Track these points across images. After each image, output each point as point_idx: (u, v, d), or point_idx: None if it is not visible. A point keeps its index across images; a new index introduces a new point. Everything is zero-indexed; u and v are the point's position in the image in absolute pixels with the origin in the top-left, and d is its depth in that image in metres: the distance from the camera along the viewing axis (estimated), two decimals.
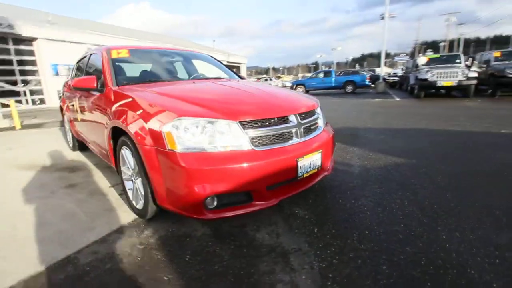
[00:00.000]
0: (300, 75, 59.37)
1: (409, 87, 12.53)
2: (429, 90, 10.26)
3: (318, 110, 2.23)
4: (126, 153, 2.01)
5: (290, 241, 1.69)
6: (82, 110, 2.88)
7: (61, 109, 4.10)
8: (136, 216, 2.07)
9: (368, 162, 3.14)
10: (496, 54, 10.13)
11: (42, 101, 14.18)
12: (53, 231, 1.94)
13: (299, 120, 1.90)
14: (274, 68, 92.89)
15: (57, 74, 14.51)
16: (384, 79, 17.16)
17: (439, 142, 3.92)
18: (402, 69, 18.17)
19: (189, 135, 1.56)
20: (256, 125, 1.69)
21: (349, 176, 2.70)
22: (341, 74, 17.57)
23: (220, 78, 2.83)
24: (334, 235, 1.73)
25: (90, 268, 1.51)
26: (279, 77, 39.02)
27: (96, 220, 2.06)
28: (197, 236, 1.79)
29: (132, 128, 1.76)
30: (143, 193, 1.87)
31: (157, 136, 1.62)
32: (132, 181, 2.10)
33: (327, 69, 24.17)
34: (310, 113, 2.09)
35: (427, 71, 9.85)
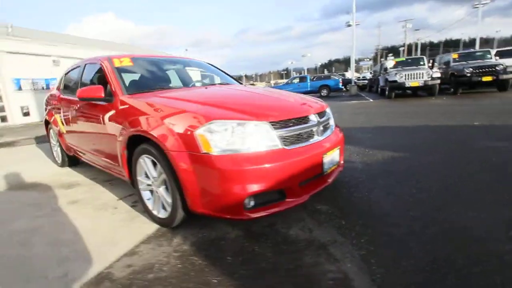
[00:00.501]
0: (272, 81, 60.51)
1: (379, 88, 13.35)
2: (398, 91, 11.01)
3: (328, 110, 2.34)
4: (146, 161, 1.96)
5: (323, 234, 1.75)
6: (81, 121, 2.76)
7: (47, 123, 3.86)
8: (158, 226, 2.03)
9: (367, 158, 3.32)
10: (454, 55, 11.15)
11: (3, 119, 13.09)
12: (72, 248, 1.83)
13: (318, 119, 1.99)
14: (246, 76, 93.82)
15: (20, 89, 13.53)
16: (355, 83, 18.08)
17: (424, 136, 4.24)
18: (370, 73, 19.28)
19: (223, 137, 1.58)
20: (283, 125, 1.76)
21: (355, 172, 2.84)
22: (315, 79, 18.26)
23: (226, 84, 2.86)
24: (362, 225, 1.82)
25: (130, 281, 1.46)
26: (252, 84, 39.49)
27: (116, 233, 1.99)
28: (231, 238, 1.79)
29: (159, 135, 1.73)
30: (169, 201, 1.84)
31: (189, 141, 1.62)
32: (152, 190, 2.06)
33: (302, 74, 24.94)
34: (324, 113, 2.20)
35: (396, 73, 10.58)
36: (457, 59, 11.01)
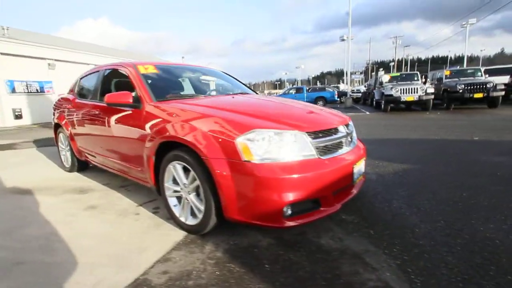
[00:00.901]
0: (266, 91, 61.10)
1: (374, 102, 13.70)
2: (393, 105, 11.33)
3: (351, 123, 2.42)
4: (176, 168, 1.97)
5: (355, 243, 1.79)
6: (100, 126, 2.74)
7: (56, 126, 3.80)
8: (185, 233, 2.02)
9: (378, 169, 3.40)
10: (447, 72, 11.60)
11: None
12: (102, 254, 1.81)
13: (346, 131, 2.06)
14: None
15: (13, 91, 13.24)
16: (349, 95, 18.49)
17: (428, 149, 4.38)
18: (365, 86, 19.77)
19: (263, 146, 1.62)
20: (317, 136, 1.81)
21: (371, 183, 2.91)
22: (311, 90, 18.60)
23: (246, 93, 2.92)
24: (390, 235, 1.87)
25: None
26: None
27: (142, 240, 1.97)
28: (264, 246, 1.81)
29: (196, 141, 1.75)
30: (202, 208, 1.85)
31: (229, 148, 1.65)
32: (179, 197, 2.06)
33: (297, 85, 25.38)
34: (349, 125, 2.27)
35: (392, 88, 10.91)
36: (449, 76, 11.46)
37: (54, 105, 3.93)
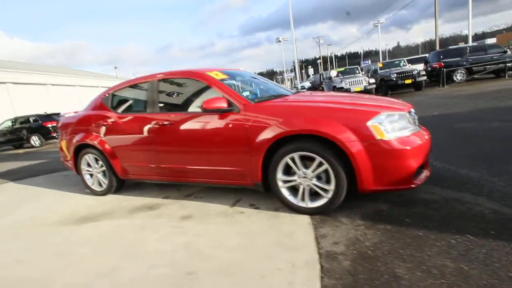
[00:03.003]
0: None
1: None
2: None
3: None
4: (295, 158, 2.20)
5: (446, 193, 2.32)
6: (176, 136, 2.70)
7: (79, 148, 3.44)
8: (306, 216, 2.25)
9: None
10: (380, 64, 13.70)
11: None
12: (268, 253, 1.94)
13: (413, 114, 2.59)
14: None
15: None
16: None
17: None
18: (311, 82, 21.58)
19: (391, 125, 2.02)
20: (410, 115, 2.29)
21: None
22: None
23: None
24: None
25: (357, 251, 1.73)
26: None
27: (281, 229, 2.13)
28: (385, 209, 2.20)
29: (328, 130, 2.02)
30: (330, 188, 2.13)
31: (362, 131, 1.99)
32: (294, 186, 2.29)
33: None
34: None
35: (341, 81, 12.37)
36: (382, 68, 13.55)
37: (73, 125, 3.54)
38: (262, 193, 2.79)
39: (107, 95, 3.31)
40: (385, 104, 2.28)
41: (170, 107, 2.82)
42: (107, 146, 3.20)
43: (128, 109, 3.23)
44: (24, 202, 3.70)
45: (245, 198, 2.80)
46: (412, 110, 2.53)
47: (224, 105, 2.37)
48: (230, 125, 2.41)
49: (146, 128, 2.88)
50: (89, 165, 3.47)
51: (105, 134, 3.20)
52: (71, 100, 22.69)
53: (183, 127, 2.66)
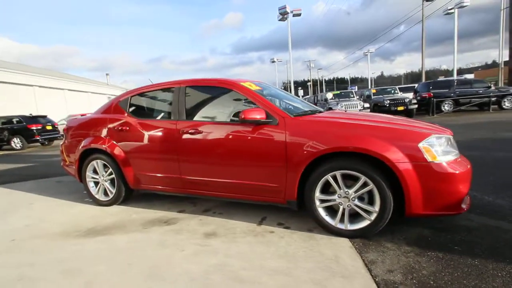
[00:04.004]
0: None
1: None
2: None
3: None
4: (337, 176, 2.09)
5: (478, 219, 2.27)
6: (205, 145, 2.54)
7: (87, 153, 3.18)
8: (345, 239, 2.12)
9: None
10: (374, 91, 14.19)
11: None
12: (313, 278, 1.77)
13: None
14: None
15: None
16: None
17: None
18: None
19: (441, 148, 1.97)
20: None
21: None
22: None
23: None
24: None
25: (413, 278, 1.60)
26: None
27: (323, 253, 1.97)
28: (428, 234, 2.10)
29: (378, 149, 1.94)
30: (374, 209, 2.02)
31: (413, 152, 1.92)
32: (331, 206, 2.17)
33: None
34: None
35: (337, 103, 12.67)
36: (375, 94, 14.04)
37: (77, 127, 3.30)
38: (290, 212, 2.65)
39: (124, 98, 3.12)
40: (432, 127, 2.24)
41: (197, 115, 2.67)
42: (120, 152, 2.96)
43: (149, 115, 3.04)
44: (14, 210, 3.33)
45: (271, 216, 2.63)
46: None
47: (263, 116, 2.26)
48: (267, 138, 2.29)
49: (169, 135, 2.70)
50: (95, 172, 3.20)
51: (119, 140, 2.98)
52: (57, 103, 21.87)
53: (212, 136, 2.50)
